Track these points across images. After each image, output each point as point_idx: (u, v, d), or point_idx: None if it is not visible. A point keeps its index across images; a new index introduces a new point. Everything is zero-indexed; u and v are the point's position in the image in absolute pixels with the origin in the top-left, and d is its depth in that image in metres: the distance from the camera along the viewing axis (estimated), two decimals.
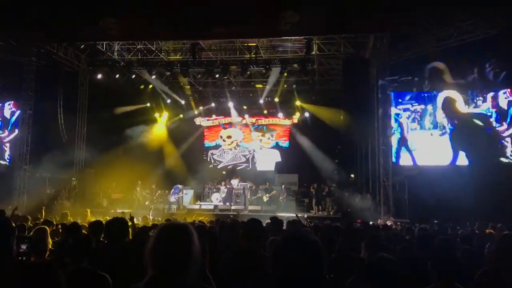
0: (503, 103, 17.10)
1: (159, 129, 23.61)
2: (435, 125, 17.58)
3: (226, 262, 3.12)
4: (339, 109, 19.14)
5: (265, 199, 19.54)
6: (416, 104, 17.82)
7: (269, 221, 7.47)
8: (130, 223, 7.04)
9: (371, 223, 11.60)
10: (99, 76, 19.04)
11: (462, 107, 17.38)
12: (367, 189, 18.30)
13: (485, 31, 15.86)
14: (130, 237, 5.57)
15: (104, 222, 5.77)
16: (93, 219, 9.03)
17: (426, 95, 17.76)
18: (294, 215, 16.64)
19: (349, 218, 14.01)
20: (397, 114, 17.93)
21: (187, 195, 20.26)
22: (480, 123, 17.20)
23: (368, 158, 18.52)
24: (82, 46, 18.38)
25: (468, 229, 8.84)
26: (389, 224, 12.87)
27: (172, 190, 19.92)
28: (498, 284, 3.35)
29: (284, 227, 7.23)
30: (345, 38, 17.29)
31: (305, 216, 16.11)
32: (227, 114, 23.65)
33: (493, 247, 3.57)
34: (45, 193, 18.61)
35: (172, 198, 19.80)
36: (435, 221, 8.90)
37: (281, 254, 1.82)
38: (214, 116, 23.90)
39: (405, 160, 17.81)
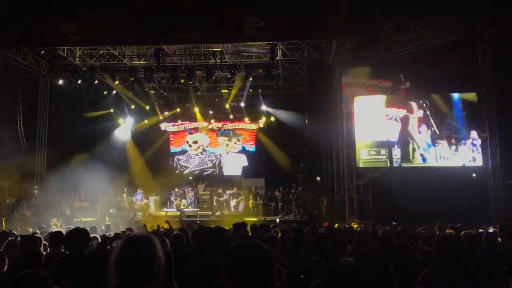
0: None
1: (123, 135, 23.25)
2: None
3: (191, 271, 3.11)
4: (303, 113, 19.37)
5: (232, 204, 19.53)
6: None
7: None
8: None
9: (336, 225, 11.77)
10: (61, 82, 18.62)
11: None
12: (332, 191, 18.56)
13: (443, 37, 16.44)
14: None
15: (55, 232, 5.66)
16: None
17: None
18: (263, 219, 16.80)
19: (315, 221, 14.17)
20: None
21: (151, 201, 19.98)
22: None
23: (333, 161, 18.80)
24: (42, 52, 17.88)
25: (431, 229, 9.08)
26: (355, 226, 13.09)
27: (134, 197, 19.55)
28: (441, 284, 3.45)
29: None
30: (308, 44, 17.51)
31: (277, 220, 16.19)
32: (192, 119, 23.51)
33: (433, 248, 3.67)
34: (4, 203, 18.00)
35: (137, 206, 19.46)
36: (394, 223, 9.07)
37: (229, 265, 1.83)
38: (179, 122, 23.71)
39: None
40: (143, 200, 19.70)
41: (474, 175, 17.75)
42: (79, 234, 4.66)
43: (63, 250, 5.04)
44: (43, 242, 6.14)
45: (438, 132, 17.70)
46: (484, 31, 16.35)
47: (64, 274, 3.81)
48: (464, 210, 13.68)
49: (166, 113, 23.33)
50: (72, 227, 6.55)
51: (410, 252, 3.55)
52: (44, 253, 5.10)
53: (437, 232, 8.20)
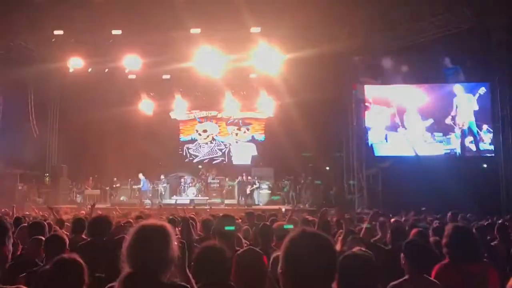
0: None
1: (134, 123, 23.29)
2: None
3: (194, 260, 3.10)
4: (315, 102, 19.26)
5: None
6: None
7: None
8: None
9: (346, 215, 11.72)
10: (72, 69, 18.63)
11: None
12: (342, 181, 18.53)
13: (457, 26, 16.19)
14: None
15: (77, 218, 5.75)
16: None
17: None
18: (271, 208, 16.82)
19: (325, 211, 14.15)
20: None
21: (165, 190, 20.07)
22: None
23: (343, 150, 18.74)
24: (53, 39, 17.88)
25: (442, 220, 9.03)
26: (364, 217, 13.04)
27: (141, 184, 19.67)
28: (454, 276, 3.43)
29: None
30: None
31: (283, 209, 16.19)
32: (202, 108, 23.55)
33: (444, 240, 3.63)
34: (16, 189, 18.20)
35: (148, 192, 19.58)
36: (390, 215, 9.00)
37: (297, 251, 1.77)
38: (189, 110, 23.74)
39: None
40: (149, 188, 19.75)
41: (485, 165, 17.61)
42: (102, 221, 4.76)
43: (84, 237, 5.12)
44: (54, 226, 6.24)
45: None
46: (498, 20, 16.07)
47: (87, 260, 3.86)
48: (475, 201, 13.57)
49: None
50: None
51: (423, 244, 3.52)
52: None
53: (448, 222, 8.16)
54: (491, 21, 16.13)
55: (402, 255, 3.42)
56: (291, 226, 6.75)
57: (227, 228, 6.26)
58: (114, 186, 20.29)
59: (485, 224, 7.53)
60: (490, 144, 17.42)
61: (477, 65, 16.97)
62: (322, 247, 1.78)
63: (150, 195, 19.59)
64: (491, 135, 17.40)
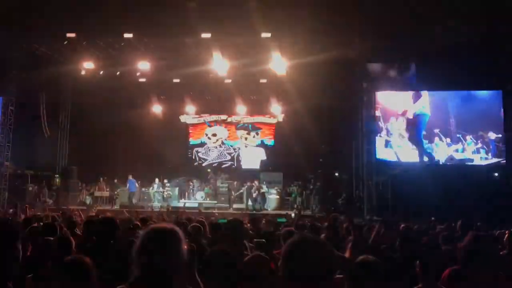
0: None
1: (144, 125, 23.39)
2: None
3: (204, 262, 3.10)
4: (325, 107, 19.24)
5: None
6: None
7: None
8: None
9: (355, 221, 11.67)
10: (83, 72, 18.81)
11: None
12: (351, 187, 18.43)
13: (467, 35, 16.06)
14: None
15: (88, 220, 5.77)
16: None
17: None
18: (278, 213, 16.80)
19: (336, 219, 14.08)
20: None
21: (172, 195, 20.12)
22: None
23: (352, 157, 18.65)
24: (65, 42, 18.06)
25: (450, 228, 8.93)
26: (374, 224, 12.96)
27: (128, 185, 19.60)
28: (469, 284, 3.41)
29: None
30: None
31: (293, 215, 16.14)
32: (212, 112, 23.61)
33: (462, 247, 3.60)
34: (27, 190, 18.33)
35: (156, 195, 19.64)
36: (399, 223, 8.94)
37: (295, 256, 1.85)
38: (199, 114, 23.82)
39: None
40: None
41: (496, 174, 17.46)
42: (107, 223, 4.74)
43: (95, 238, 5.14)
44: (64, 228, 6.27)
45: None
46: (510, 28, 15.93)
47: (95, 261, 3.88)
48: (485, 210, 13.45)
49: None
50: None
51: (436, 251, 3.50)
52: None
53: (458, 231, 8.07)
54: (504, 29, 16.00)
55: (417, 262, 3.41)
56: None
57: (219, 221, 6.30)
58: (120, 188, 20.31)
59: (496, 234, 7.43)
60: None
61: (488, 72, 16.83)
62: (319, 252, 1.85)
63: (160, 198, 19.66)
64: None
